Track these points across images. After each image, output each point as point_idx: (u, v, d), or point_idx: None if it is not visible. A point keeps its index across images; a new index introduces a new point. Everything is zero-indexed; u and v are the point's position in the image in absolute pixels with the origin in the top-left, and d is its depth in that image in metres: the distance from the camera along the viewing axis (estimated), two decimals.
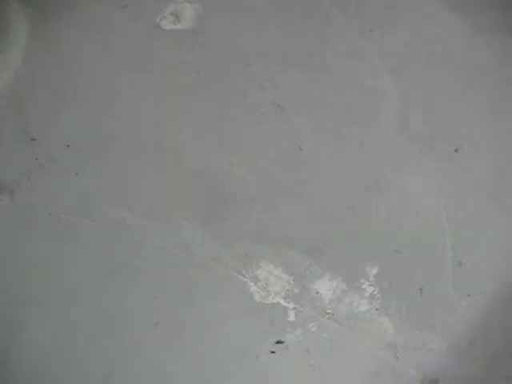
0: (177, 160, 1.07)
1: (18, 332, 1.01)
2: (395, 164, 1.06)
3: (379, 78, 1.08)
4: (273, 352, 1.00)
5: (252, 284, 1.02)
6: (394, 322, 1.01)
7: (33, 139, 1.11)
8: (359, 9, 1.10)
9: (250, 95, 1.06)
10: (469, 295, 1.01)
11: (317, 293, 1.02)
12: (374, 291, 1.02)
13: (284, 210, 1.04)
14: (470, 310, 1.01)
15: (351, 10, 1.11)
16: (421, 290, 1.02)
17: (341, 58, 1.07)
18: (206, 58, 1.07)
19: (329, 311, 1.01)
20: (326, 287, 1.02)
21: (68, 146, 1.10)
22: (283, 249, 1.03)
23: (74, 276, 1.05)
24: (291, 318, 1.01)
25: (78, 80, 1.12)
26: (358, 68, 1.08)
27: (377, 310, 1.01)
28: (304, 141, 1.05)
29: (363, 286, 1.02)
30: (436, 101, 1.07)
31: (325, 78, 1.07)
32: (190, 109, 1.08)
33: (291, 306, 1.02)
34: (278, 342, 1.01)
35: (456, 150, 1.05)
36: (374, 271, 1.02)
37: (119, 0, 1.10)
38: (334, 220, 1.04)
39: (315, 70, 1.06)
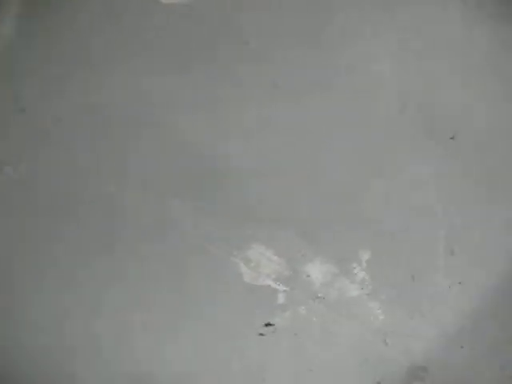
0: (171, 137, 1.05)
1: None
2: (393, 149, 1.05)
3: (379, 61, 1.06)
4: (261, 334, 0.99)
5: (243, 265, 1.01)
6: (385, 308, 1.00)
7: (22, 110, 1.08)
8: None
9: (248, 75, 1.04)
10: (460, 283, 1.01)
11: (308, 276, 1.01)
12: (365, 276, 1.01)
13: (278, 190, 1.03)
14: (460, 299, 1.01)
15: None
16: (412, 276, 1.01)
17: (341, 40, 1.06)
18: (204, 35, 1.05)
19: (319, 295, 1.01)
20: (317, 270, 1.01)
21: (59, 119, 1.08)
22: (276, 230, 1.02)
23: (69, 251, 1.04)
24: (281, 300, 1.00)
25: (72, 51, 1.09)
26: (358, 51, 1.07)
27: (367, 295, 1.01)
28: (302, 123, 1.03)
29: (355, 271, 1.01)
30: (434, 87, 1.06)
31: (324, 60, 1.05)
32: (186, 85, 1.06)
33: (281, 288, 1.01)
34: (267, 325, 1.00)
35: (452, 138, 1.04)
36: (367, 256, 1.01)
37: None
38: (330, 202, 1.03)
39: (315, 51, 1.05)
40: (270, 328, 1.00)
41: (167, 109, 1.05)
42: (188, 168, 1.04)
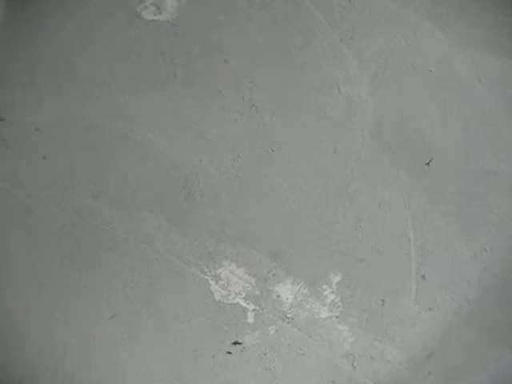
0: (148, 152, 1.05)
1: None
2: (367, 173, 1.05)
3: (356, 84, 1.07)
4: (229, 353, 0.99)
5: (213, 282, 1.01)
6: (354, 331, 1.00)
7: (2, 119, 1.08)
8: (342, 15, 1.10)
9: (226, 92, 1.05)
10: (430, 309, 1.01)
11: (278, 296, 1.01)
12: (335, 299, 1.01)
13: (251, 210, 1.03)
14: (429, 324, 1.01)
15: (334, 15, 1.10)
16: (383, 301, 1.01)
17: (320, 62, 1.07)
18: (184, 52, 1.06)
19: (289, 315, 1.00)
20: (287, 291, 1.01)
21: (37, 129, 1.08)
22: (247, 249, 1.02)
23: (31, 262, 1.03)
24: (250, 319, 1.00)
25: (54, 62, 1.09)
26: (336, 73, 1.07)
27: (337, 317, 1.01)
28: (276, 142, 1.04)
29: (325, 293, 1.01)
30: (410, 113, 1.06)
31: (302, 81, 1.06)
32: (165, 101, 1.06)
33: (251, 307, 1.00)
34: (236, 343, 0.99)
35: (427, 164, 1.05)
36: (337, 279, 1.01)
37: None
38: (301, 224, 1.03)
39: (293, 71, 1.05)
40: (239, 347, 0.99)
41: (144, 124, 1.05)
42: (163, 185, 1.04)
